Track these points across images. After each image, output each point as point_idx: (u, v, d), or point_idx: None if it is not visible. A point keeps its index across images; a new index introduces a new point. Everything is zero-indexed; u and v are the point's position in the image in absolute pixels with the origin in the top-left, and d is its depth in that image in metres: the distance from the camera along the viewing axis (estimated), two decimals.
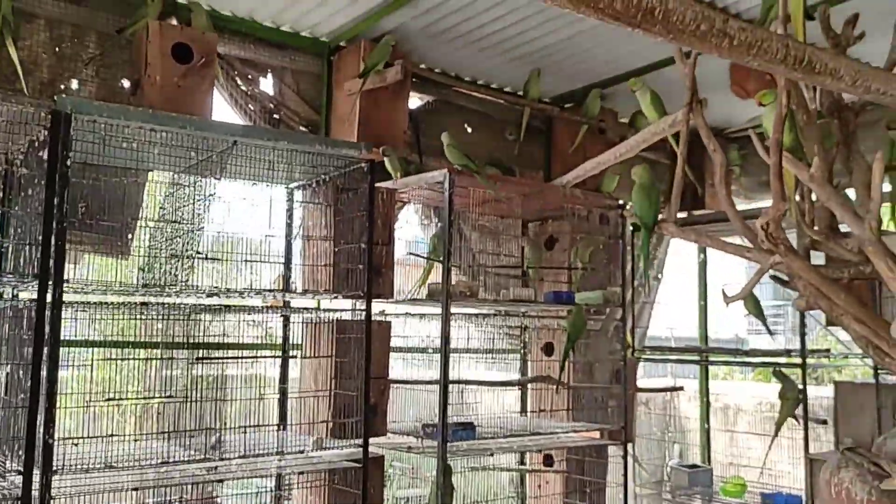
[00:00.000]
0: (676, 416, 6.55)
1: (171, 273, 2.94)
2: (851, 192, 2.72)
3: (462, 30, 3.96)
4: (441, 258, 3.46)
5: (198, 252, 2.85)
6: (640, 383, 6.79)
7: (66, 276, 2.55)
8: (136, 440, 3.06)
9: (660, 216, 2.83)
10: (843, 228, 2.67)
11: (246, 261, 3.11)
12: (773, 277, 2.76)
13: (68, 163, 2.55)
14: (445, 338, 3.39)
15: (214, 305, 3.20)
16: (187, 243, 2.90)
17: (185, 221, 2.95)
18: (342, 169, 3.36)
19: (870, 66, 1.91)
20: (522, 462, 4.53)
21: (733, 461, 5.37)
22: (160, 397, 2.81)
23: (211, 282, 3.38)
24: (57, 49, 3.44)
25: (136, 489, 2.63)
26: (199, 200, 2.91)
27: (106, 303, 2.85)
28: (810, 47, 1.75)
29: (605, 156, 3.49)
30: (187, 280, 2.80)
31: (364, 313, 3.29)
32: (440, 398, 3.38)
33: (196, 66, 3.27)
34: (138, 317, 2.91)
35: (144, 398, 2.79)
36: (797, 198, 2.67)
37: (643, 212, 2.76)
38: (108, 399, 2.66)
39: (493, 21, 3.86)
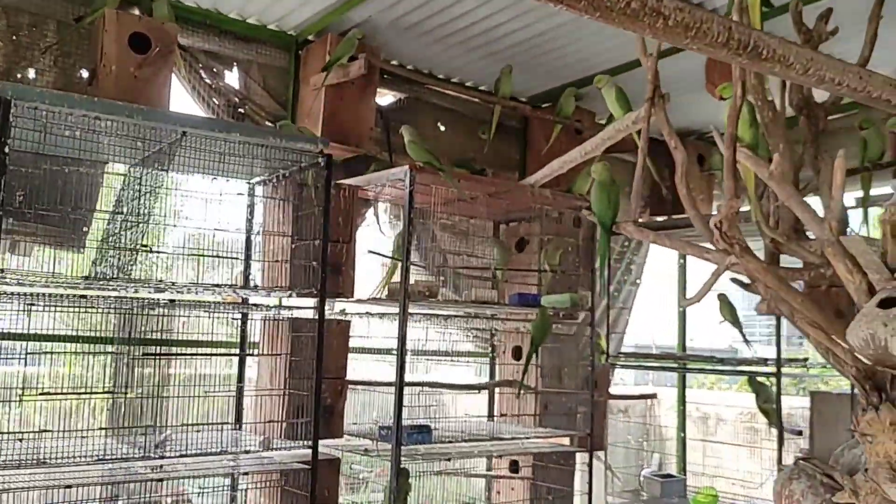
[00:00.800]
0: (656, 424, 6.45)
1: (118, 266, 2.85)
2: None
3: (431, 24, 3.88)
4: (402, 258, 3.38)
5: (143, 245, 2.76)
6: (624, 390, 6.73)
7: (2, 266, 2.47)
8: (82, 437, 2.96)
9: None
10: None
11: (195, 255, 3.02)
12: (735, 280, 2.68)
13: (6, 150, 2.47)
14: (402, 338, 3.30)
15: (166, 300, 3.12)
16: (135, 236, 2.81)
17: (132, 214, 2.85)
18: (301, 164, 3.28)
19: (824, 55, 1.83)
20: (489, 468, 4.43)
21: (708, 471, 5.27)
22: (99, 393, 2.71)
23: (167, 276, 3.30)
24: (14, 37, 3.35)
25: (69, 486, 2.53)
26: (146, 193, 2.82)
27: (47, 294, 2.75)
28: (757, 31, 1.67)
29: (571, 154, 3.41)
30: (130, 273, 2.70)
31: (322, 311, 3.19)
32: (395, 400, 3.29)
33: (152, 56, 3.19)
34: (79, 310, 2.81)
35: (81, 393, 2.69)
36: (760, 198, 2.60)
37: (601, 210, 2.69)
38: (41, 394, 2.56)
39: (463, 15, 3.78)
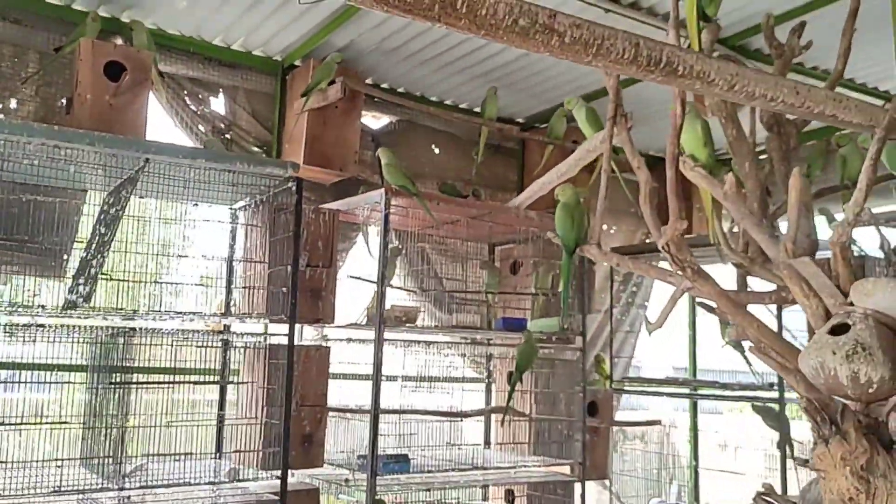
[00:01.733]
0: (673, 453, 6.25)
1: (83, 295, 2.85)
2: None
3: (415, 46, 3.86)
4: (378, 283, 3.33)
5: (104, 273, 2.76)
6: (638, 416, 6.54)
7: None
8: (55, 466, 2.95)
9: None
10: None
11: (160, 283, 3.01)
12: (701, 304, 2.56)
13: None
14: (377, 364, 3.24)
15: (142, 329, 3.12)
16: (99, 264, 2.81)
17: (101, 242, 2.86)
18: (275, 188, 3.26)
19: (752, 69, 1.73)
20: (486, 497, 4.32)
21: (720, 500, 5.07)
22: (54, 423, 2.70)
23: (145, 304, 3.30)
24: None
25: None
26: (111, 220, 2.82)
27: (18, 324, 2.76)
28: (670, 47, 1.59)
29: (548, 175, 3.33)
30: (91, 302, 2.70)
31: (292, 338, 3.16)
32: (370, 428, 3.22)
33: (125, 83, 3.21)
34: (49, 340, 2.82)
35: (39, 424, 2.68)
36: (721, 219, 2.48)
37: (564, 232, 2.59)
38: (1, 423, 2.56)
39: (445, 37, 3.75)
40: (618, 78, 2.57)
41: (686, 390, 4.96)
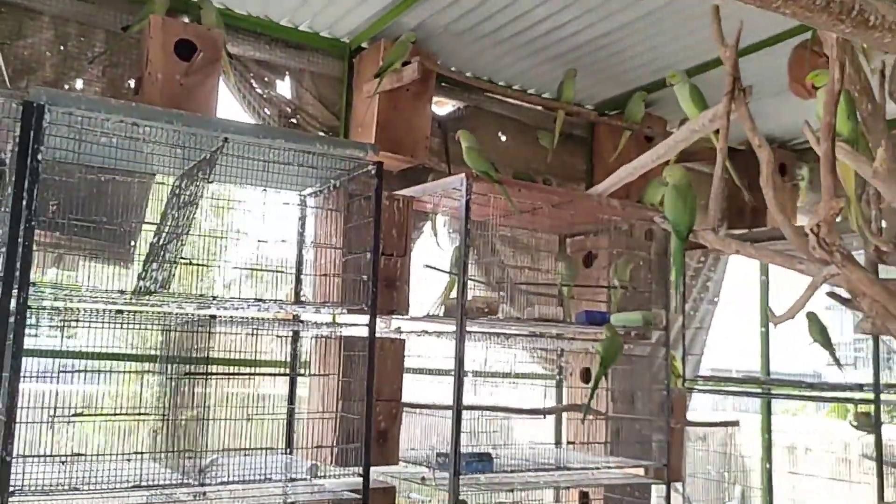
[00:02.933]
0: (737, 454, 6.02)
1: (160, 281, 2.71)
2: None
3: (488, 27, 3.68)
4: (458, 273, 3.16)
5: (182, 258, 2.62)
6: (701, 417, 6.30)
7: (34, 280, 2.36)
8: (124, 461, 2.82)
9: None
10: None
11: (240, 269, 2.87)
12: (831, 294, 2.36)
13: (39, 157, 2.36)
14: (460, 358, 3.07)
15: (211, 317, 2.98)
16: (177, 249, 2.67)
17: (174, 226, 2.72)
18: (351, 173, 3.11)
19: None
20: (557, 499, 4.13)
21: None
22: (132, 415, 2.57)
23: (216, 292, 3.17)
24: (62, 47, 3.30)
25: None
26: (188, 204, 2.68)
27: (83, 310, 2.63)
28: None
29: (641, 159, 3.14)
30: (169, 288, 2.56)
31: (373, 328, 2.99)
32: (453, 425, 3.06)
33: (198, 62, 3.08)
34: (118, 326, 2.68)
35: (115, 415, 2.55)
36: (861, 201, 2.27)
37: (676, 217, 2.41)
38: (74, 415, 2.43)
39: (521, 16, 3.57)
40: (736, 48, 2.38)
41: (765, 389, 4.73)
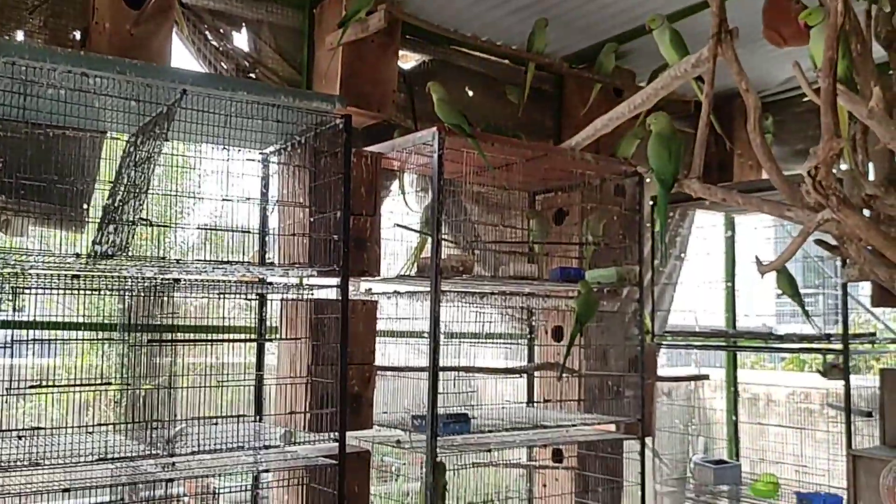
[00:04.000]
0: (701, 407, 6.09)
1: (117, 244, 2.55)
2: None
3: None
4: (431, 231, 3.05)
5: (142, 218, 2.45)
6: (662, 372, 6.36)
7: None
8: (86, 433, 2.68)
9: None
10: None
11: (203, 230, 2.72)
12: (819, 242, 2.32)
13: None
14: (435, 318, 2.98)
15: (172, 280, 2.82)
16: (134, 210, 2.50)
17: (130, 185, 2.55)
18: (317, 128, 2.96)
19: None
20: (530, 458, 4.11)
21: (764, 457, 4.91)
22: (91, 385, 2.42)
23: (173, 254, 3.01)
24: None
25: (66, 490, 2.25)
26: (144, 161, 2.51)
27: (37, 275, 2.46)
28: None
29: (617, 109, 3.05)
30: (128, 251, 2.40)
31: (345, 290, 2.88)
32: (429, 387, 2.98)
33: (149, 9, 2.88)
34: (75, 292, 2.52)
35: (71, 386, 2.40)
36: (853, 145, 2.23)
37: (660, 165, 2.33)
38: (31, 386, 2.27)
39: None
40: None
41: (731, 343, 4.76)
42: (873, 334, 4.17)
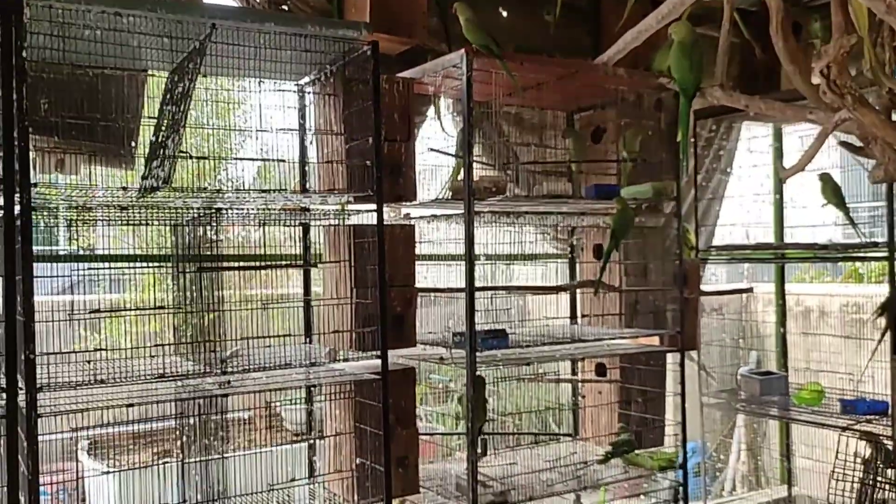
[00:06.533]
0: (752, 321, 6.10)
1: (163, 178, 2.69)
2: None
3: None
4: (464, 154, 3.11)
5: (182, 151, 2.58)
6: (709, 288, 6.36)
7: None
8: (148, 356, 2.89)
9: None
10: None
11: (241, 160, 2.84)
12: (843, 144, 2.30)
13: (24, 54, 2.30)
14: (469, 239, 3.07)
15: (220, 210, 2.97)
16: (175, 144, 2.63)
17: (172, 120, 2.67)
18: (346, 56, 3.02)
19: None
20: (574, 372, 4.23)
21: (812, 367, 4.92)
22: (149, 309, 2.61)
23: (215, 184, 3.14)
24: None
25: (130, 405, 2.45)
26: (182, 97, 2.62)
27: (97, 206, 2.63)
28: None
29: (646, 21, 3.01)
30: (170, 184, 2.54)
31: (381, 213, 2.99)
32: (467, 305, 3.08)
33: None
34: (133, 224, 2.69)
35: (130, 310, 2.59)
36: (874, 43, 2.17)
37: (682, 74, 2.33)
38: (92, 311, 2.47)
39: None
40: None
41: (778, 255, 4.72)
42: None
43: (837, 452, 3.83)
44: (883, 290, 4.05)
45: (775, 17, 2.12)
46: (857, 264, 7.41)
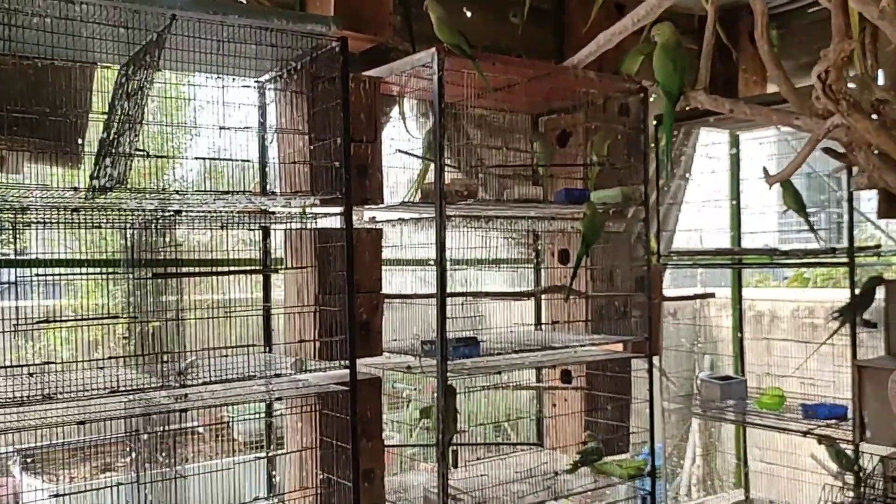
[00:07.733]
0: (707, 326, 6.14)
1: (115, 177, 2.51)
2: None
3: None
4: (434, 157, 3.00)
5: (138, 149, 2.41)
6: (668, 293, 6.39)
7: None
8: (97, 368, 2.70)
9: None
10: None
11: (200, 159, 2.68)
12: (827, 150, 2.27)
13: None
14: (440, 244, 2.97)
15: (178, 212, 2.80)
16: (129, 142, 2.46)
17: (126, 117, 2.50)
18: (313, 52, 2.89)
19: None
20: (539, 380, 4.16)
21: (770, 371, 4.96)
22: (103, 318, 2.43)
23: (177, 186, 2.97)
24: None
25: (82, 423, 2.28)
26: (137, 92, 2.45)
27: (39, 208, 2.44)
28: None
29: (620, 23, 2.96)
30: (125, 183, 2.37)
31: (349, 217, 2.87)
32: (438, 312, 2.98)
33: None
34: (81, 226, 2.50)
35: (82, 319, 2.41)
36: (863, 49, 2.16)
37: (666, 78, 2.28)
38: (39, 321, 2.28)
39: None
40: None
41: (736, 260, 4.75)
42: (878, 247, 4.14)
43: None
44: (831, 295, 4.11)
45: (760, 21, 2.08)
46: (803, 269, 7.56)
